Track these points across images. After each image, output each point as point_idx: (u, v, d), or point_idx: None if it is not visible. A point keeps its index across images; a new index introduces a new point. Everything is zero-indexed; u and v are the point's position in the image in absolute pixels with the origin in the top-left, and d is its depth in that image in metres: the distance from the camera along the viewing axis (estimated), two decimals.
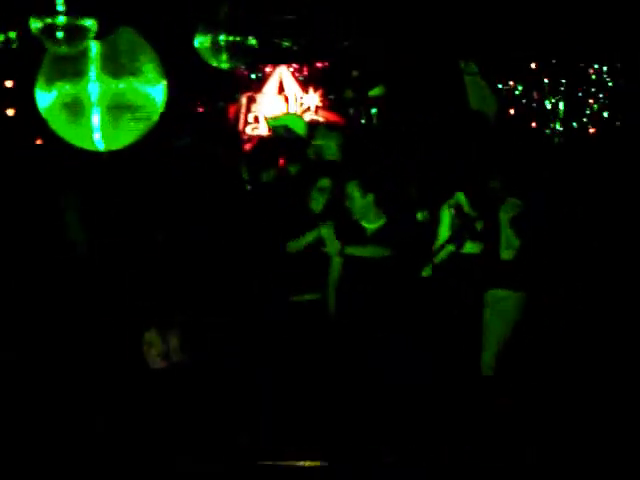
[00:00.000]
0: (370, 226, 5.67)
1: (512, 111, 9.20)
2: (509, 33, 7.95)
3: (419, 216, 6.11)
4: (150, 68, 4.58)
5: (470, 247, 6.01)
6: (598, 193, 7.49)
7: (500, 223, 5.95)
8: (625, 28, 7.82)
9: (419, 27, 7.84)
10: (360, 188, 5.60)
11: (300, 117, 8.63)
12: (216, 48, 6.50)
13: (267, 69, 9.80)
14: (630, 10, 7.28)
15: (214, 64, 6.66)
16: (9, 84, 7.79)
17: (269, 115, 9.20)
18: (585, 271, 6.72)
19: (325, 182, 5.81)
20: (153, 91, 4.58)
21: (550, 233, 6.17)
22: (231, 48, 6.50)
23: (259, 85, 9.82)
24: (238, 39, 6.54)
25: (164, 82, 4.68)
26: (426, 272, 5.94)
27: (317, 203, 5.81)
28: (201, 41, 6.51)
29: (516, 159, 6.29)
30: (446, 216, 6.05)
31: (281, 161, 6.70)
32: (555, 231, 6.26)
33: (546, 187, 6.61)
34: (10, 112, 7.72)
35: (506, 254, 5.92)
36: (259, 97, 9.79)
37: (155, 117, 4.68)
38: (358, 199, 5.60)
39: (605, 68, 9.36)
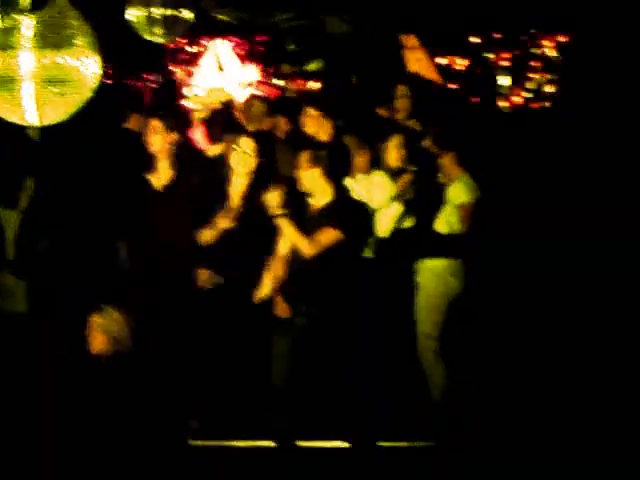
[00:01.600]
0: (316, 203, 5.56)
1: (453, 86, 9.21)
2: (449, 6, 7.97)
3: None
4: (83, 42, 4.46)
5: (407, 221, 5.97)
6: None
7: (445, 199, 5.92)
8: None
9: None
10: (309, 159, 5.51)
11: (223, 88, 8.50)
12: (150, 21, 6.37)
13: (204, 43, 9.66)
14: None
15: (148, 38, 6.53)
16: None
17: (199, 92, 9.06)
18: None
19: (248, 142, 5.66)
20: (86, 65, 4.47)
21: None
22: (166, 21, 6.38)
23: (196, 59, 9.68)
24: (173, 12, 6.42)
25: (97, 56, 4.57)
26: (368, 252, 5.89)
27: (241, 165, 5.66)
28: (134, 14, 6.36)
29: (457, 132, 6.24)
30: (384, 183, 5.96)
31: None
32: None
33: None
34: None
35: (442, 227, 5.91)
36: (196, 71, 9.66)
37: (88, 92, 4.58)
38: (306, 171, 5.51)
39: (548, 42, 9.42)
